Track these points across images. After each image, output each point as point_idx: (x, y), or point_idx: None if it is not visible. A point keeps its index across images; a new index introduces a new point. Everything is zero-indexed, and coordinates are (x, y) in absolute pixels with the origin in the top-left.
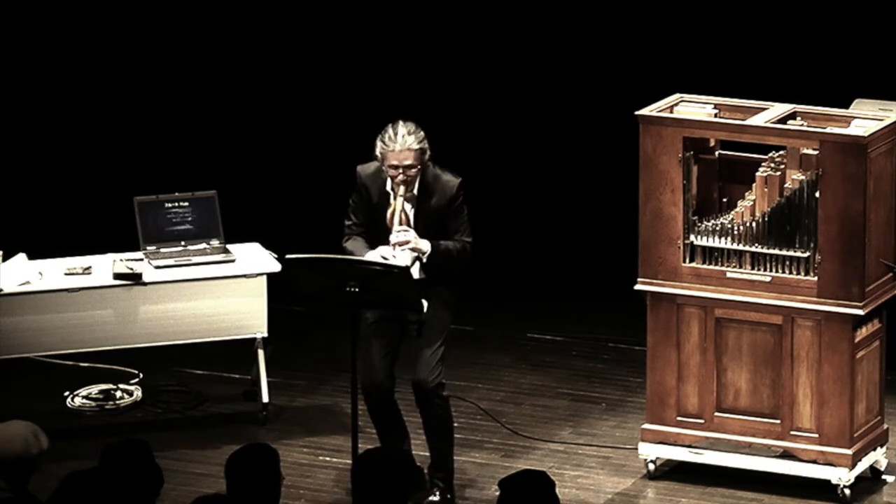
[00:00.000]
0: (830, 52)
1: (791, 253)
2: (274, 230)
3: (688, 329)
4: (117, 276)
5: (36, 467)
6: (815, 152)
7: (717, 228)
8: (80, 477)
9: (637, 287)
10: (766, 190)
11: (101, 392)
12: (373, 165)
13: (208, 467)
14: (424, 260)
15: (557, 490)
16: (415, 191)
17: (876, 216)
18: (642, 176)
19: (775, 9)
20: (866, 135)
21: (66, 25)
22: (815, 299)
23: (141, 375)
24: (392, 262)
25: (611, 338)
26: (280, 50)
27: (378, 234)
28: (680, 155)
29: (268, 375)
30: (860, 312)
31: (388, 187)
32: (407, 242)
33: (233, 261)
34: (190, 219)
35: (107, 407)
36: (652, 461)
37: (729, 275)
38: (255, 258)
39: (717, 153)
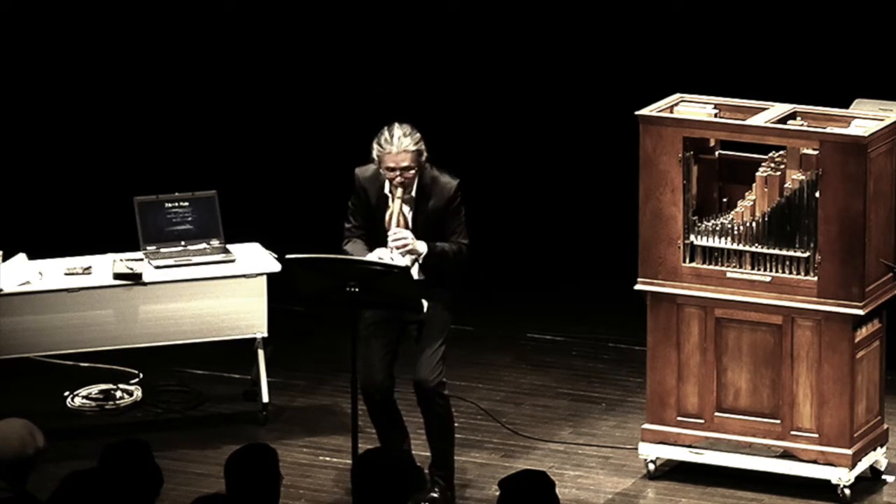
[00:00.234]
0: (830, 52)
1: (791, 253)
2: (274, 230)
3: (688, 329)
4: (117, 276)
5: (33, 466)
6: (815, 152)
7: (717, 228)
8: (80, 477)
9: (637, 287)
10: (766, 190)
11: (101, 392)
12: (371, 168)
13: (208, 467)
14: (421, 261)
15: (557, 490)
16: (413, 193)
17: (876, 216)
18: (642, 176)
19: (775, 9)
20: (866, 135)
21: (66, 25)
22: (815, 299)
23: (141, 375)
24: (392, 262)
25: (611, 338)
26: (280, 50)
27: (377, 236)
28: (680, 155)
29: (268, 375)
30: (860, 312)
31: (387, 189)
32: (405, 245)
33: (233, 261)
34: (190, 219)
35: (107, 407)
36: (652, 461)
37: (729, 275)
38: (255, 258)
39: (717, 153)
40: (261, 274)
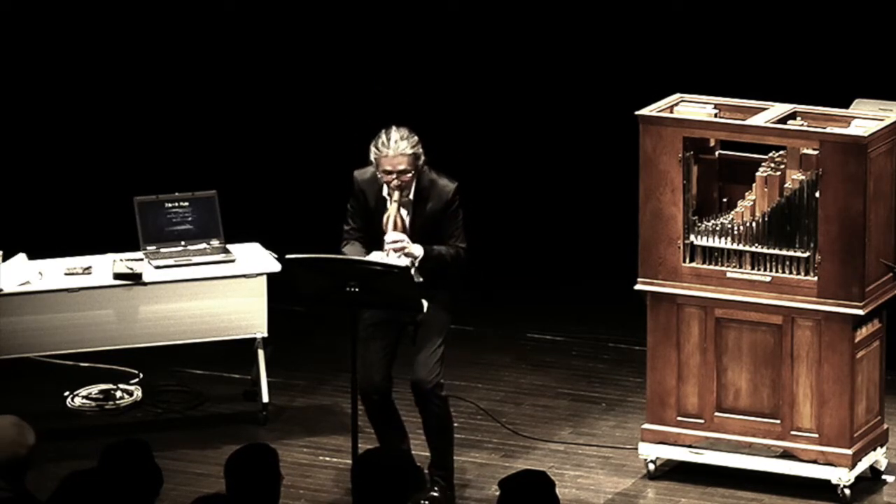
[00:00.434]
0: (830, 52)
1: (791, 253)
2: (274, 230)
3: (688, 329)
4: (117, 276)
5: (28, 464)
6: (815, 152)
7: (717, 228)
8: (80, 477)
9: (637, 287)
10: (766, 190)
11: (101, 392)
12: (369, 170)
13: (208, 467)
14: (417, 265)
15: (557, 490)
16: (410, 196)
17: (876, 216)
18: (642, 176)
19: (775, 9)
20: (866, 135)
21: (66, 25)
22: (815, 299)
23: (141, 375)
24: (391, 261)
25: (611, 338)
26: (280, 50)
27: (376, 239)
28: (680, 155)
29: (268, 375)
30: (860, 312)
31: (385, 192)
32: (401, 249)
33: (233, 261)
34: (190, 219)
35: (107, 407)
36: (652, 461)
37: (729, 275)
38: (255, 258)
39: (717, 153)
40: (261, 274)
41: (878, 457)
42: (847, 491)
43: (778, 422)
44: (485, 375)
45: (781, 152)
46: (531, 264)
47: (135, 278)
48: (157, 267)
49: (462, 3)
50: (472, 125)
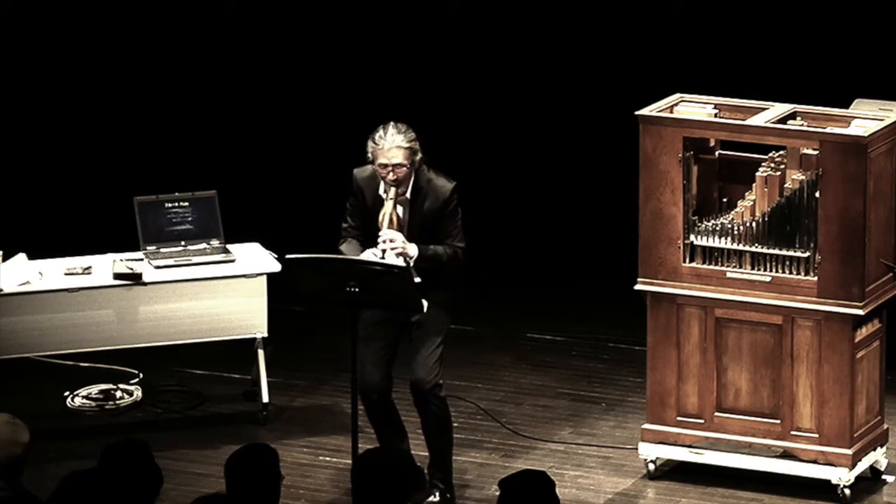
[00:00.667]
0: (830, 52)
1: (791, 253)
2: (274, 230)
3: (688, 329)
4: (117, 276)
5: (24, 463)
6: (815, 152)
7: (717, 228)
8: (80, 477)
9: (637, 287)
10: (766, 190)
11: (101, 392)
12: (368, 169)
13: (208, 467)
14: (412, 263)
15: (557, 490)
16: (407, 194)
17: (876, 216)
18: (642, 176)
19: (775, 9)
20: (866, 135)
21: (66, 25)
22: (815, 299)
23: (141, 375)
24: (391, 261)
25: (611, 338)
26: (280, 50)
27: (374, 237)
28: (680, 155)
29: (268, 375)
30: (860, 312)
31: (381, 190)
32: (395, 248)
33: (233, 261)
34: (190, 219)
35: (107, 407)
36: (652, 461)
37: (729, 275)
38: (255, 258)
39: (717, 153)
40: (261, 274)
41: (878, 457)
42: (847, 491)
43: (778, 422)
44: (485, 375)
45: (781, 152)
46: (531, 264)
47: (135, 278)
48: (157, 267)
49: (462, 3)
50: (473, 125)
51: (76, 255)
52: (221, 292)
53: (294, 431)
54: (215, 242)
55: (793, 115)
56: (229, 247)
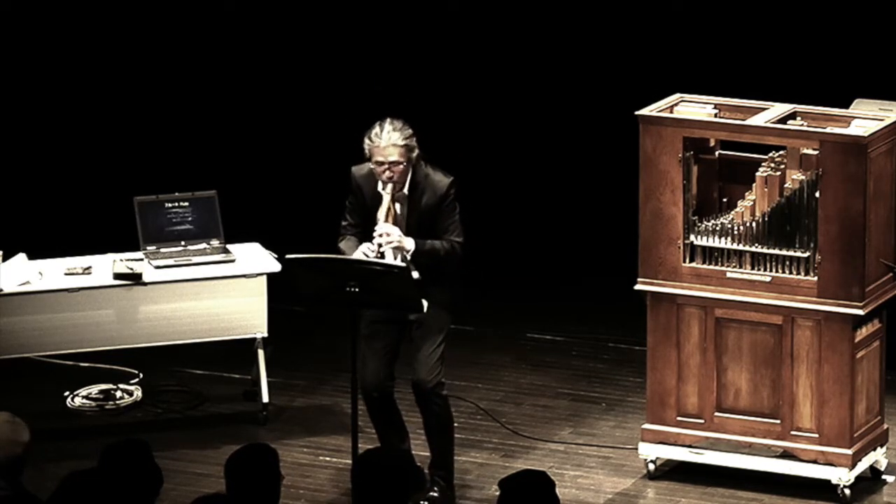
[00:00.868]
0: (830, 52)
1: (791, 253)
2: (274, 230)
3: (688, 329)
4: (117, 276)
5: (25, 462)
6: (815, 152)
7: (717, 228)
8: (80, 477)
9: (637, 287)
10: (766, 190)
11: (101, 392)
12: (367, 166)
13: (208, 467)
14: (409, 258)
15: (557, 490)
16: (405, 190)
17: (876, 216)
18: (642, 176)
19: (775, 9)
20: (866, 135)
21: (66, 25)
22: (815, 299)
23: (141, 375)
24: (392, 261)
25: (611, 338)
26: (280, 50)
27: (372, 234)
28: (680, 155)
29: (268, 375)
30: (860, 312)
31: (380, 187)
32: (390, 242)
33: (233, 261)
34: (190, 219)
35: (107, 407)
36: (652, 461)
37: (729, 275)
38: (255, 258)
39: (717, 153)
40: (261, 274)
41: (878, 457)
42: (847, 491)
43: (778, 422)
44: (485, 375)
45: (781, 152)
46: (531, 264)
47: (135, 278)
48: (157, 267)
49: (462, 3)
50: (473, 125)
51: (76, 255)
52: (221, 292)
53: (294, 431)
54: (215, 242)
55: (793, 115)
56: (229, 247)
